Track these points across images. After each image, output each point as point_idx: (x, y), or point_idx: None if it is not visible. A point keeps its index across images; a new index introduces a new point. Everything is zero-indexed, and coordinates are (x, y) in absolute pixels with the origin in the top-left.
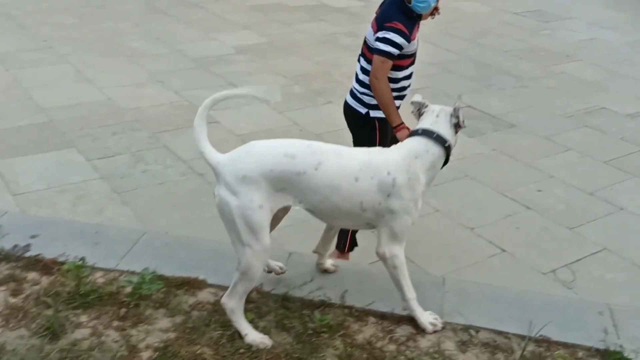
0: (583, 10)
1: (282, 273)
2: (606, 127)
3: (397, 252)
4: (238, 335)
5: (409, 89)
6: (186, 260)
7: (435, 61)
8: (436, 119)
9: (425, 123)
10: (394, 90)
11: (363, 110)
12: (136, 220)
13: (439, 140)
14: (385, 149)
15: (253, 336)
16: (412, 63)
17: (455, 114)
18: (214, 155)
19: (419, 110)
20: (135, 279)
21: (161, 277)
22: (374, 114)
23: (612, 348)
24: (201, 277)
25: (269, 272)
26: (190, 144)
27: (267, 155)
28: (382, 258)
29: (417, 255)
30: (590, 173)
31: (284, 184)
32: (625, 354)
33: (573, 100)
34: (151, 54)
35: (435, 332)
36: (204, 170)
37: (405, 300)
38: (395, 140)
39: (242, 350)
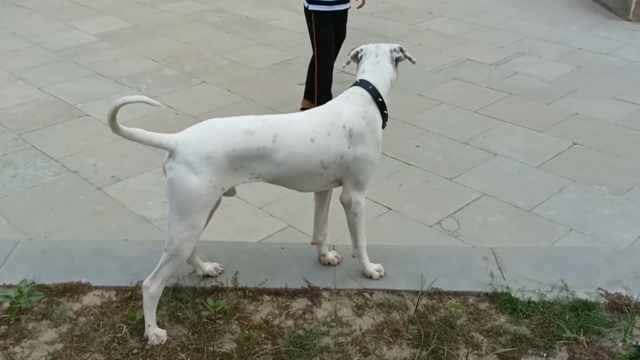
0: None
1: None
2: (473, 78)
3: (360, 199)
4: (130, 336)
5: None
6: (67, 266)
7: (303, 30)
8: (376, 59)
9: (366, 66)
10: None
11: (306, 5)
12: (11, 229)
13: (374, 93)
14: (334, 104)
15: (154, 330)
16: None
17: (396, 51)
18: (168, 137)
19: (357, 57)
20: (12, 292)
21: (41, 287)
22: (312, 7)
23: (499, 290)
24: (84, 280)
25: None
26: (60, 140)
27: (229, 135)
28: (346, 205)
29: (304, 226)
30: (463, 123)
31: (244, 161)
32: (513, 294)
33: (439, 55)
34: (8, 50)
35: (380, 277)
36: (77, 166)
37: (357, 247)
38: (339, 37)
39: (135, 351)
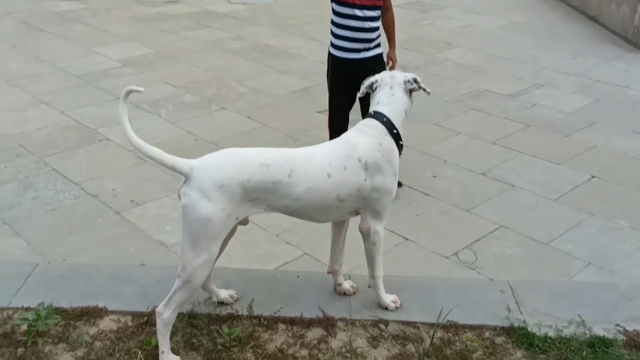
0: None
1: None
2: (490, 109)
3: (379, 228)
4: None
5: None
6: (84, 289)
7: (322, 58)
8: (390, 90)
9: (380, 97)
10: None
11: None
12: (31, 251)
13: (388, 125)
14: (349, 137)
15: (168, 356)
16: None
17: (410, 82)
18: (183, 162)
19: (372, 87)
20: (30, 315)
21: (58, 310)
22: (330, 49)
23: (516, 324)
24: (101, 305)
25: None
26: (81, 164)
27: (245, 165)
28: (365, 234)
29: (321, 254)
30: (480, 154)
31: (259, 193)
32: (529, 329)
33: (457, 85)
34: (32, 74)
35: (396, 308)
36: (97, 190)
37: (374, 278)
38: (354, 88)
39: None
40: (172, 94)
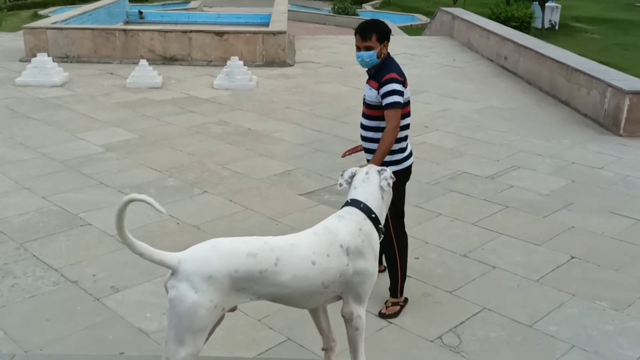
0: (434, 84)
1: None
2: (469, 190)
3: (361, 312)
4: None
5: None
6: None
7: (303, 142)
8: (365, 175)
9: (357, 182)
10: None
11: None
12: (7, 340)
13: (366, 210)
14: (330, 224)
15: None
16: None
17: (383, 177)
18: (171, 256)
19: (351, 179)
20: None
21: None
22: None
23: None
24: None
25: None
26: (61, 250)
27: (232, 255)
28: (347, 319)
29: (304, 339)
30: (461, 235)
31: (246, 282)
32: None
33: (436, 168)
34: (15, 160)
35: None
36: (76, 276)
37: None
38: None
39: None
40: (155, 177)
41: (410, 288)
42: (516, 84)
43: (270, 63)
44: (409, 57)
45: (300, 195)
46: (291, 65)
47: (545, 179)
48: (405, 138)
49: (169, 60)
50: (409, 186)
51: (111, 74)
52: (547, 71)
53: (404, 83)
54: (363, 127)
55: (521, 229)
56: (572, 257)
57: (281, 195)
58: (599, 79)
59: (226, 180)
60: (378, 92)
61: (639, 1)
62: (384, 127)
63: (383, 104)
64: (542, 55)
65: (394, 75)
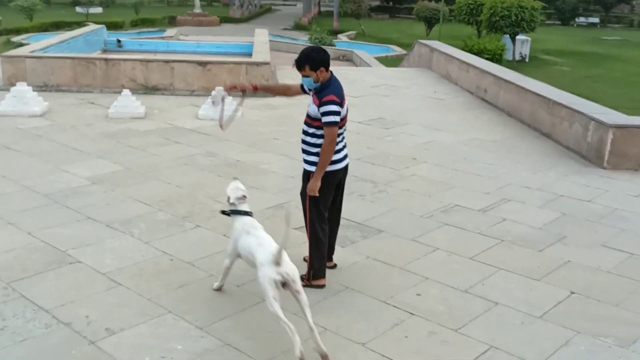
0: (416, 115)
1: None
2: (463, 224)
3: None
4: None
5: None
6: None
7: (293, 174)
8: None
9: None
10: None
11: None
12: None
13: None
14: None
15: None
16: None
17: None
18: None
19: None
20: None
21: None
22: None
23: None
24: None
25: None
26: (51, 289)
27: None
28: None
29: None
30: (460, 271)
31: None
32: None
33: (428, 200)
34: None
35: None
36: (69, 318)
37: None
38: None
39: None
40: (145, 212)
41: (414, 326)
42: (497, 116)
43: (254, 94)
44: (390, 89)
45: (295, 229)
46: (274, 96)
47: (536, 212)
48: (342, 146)
49: (151, 89)
50: (404, 219)
51: (92, 103)
52: (528, 104)
53: (341, 104)
54: (304, 132)
55: (518, 264)
56: (572, 293)
57: (275, 229)
58: (581, 113)
59: (218, 214)
60: (318, 109)
61: (606, 35)
62: (319, 134)
63: (322, 121)
64: (523, 88)
65: (332, 97)
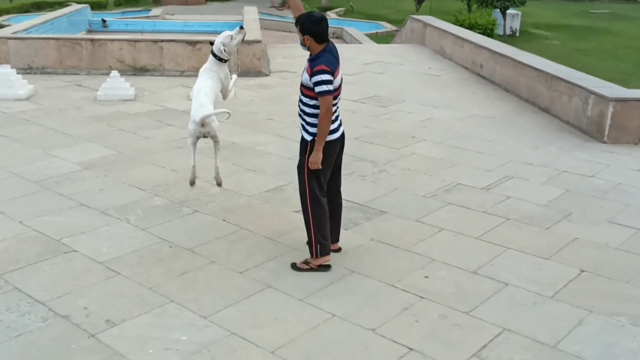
0: (412, 93)
1: None
2: (467, 203)
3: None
4: None
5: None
6: None
7: (290, 155)
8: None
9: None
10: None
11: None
12: None
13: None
14: None
15: None
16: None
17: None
18: None
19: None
20: None
21: None
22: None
23: None
24: None
25: None
26: (46, 280)
27: None
28: None
29: None
30: (467, 251)
31: None
32: None
33: (430, 180)
34: None
35: None
36: (67, 310)
37: None
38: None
39: None
40: (140, 197)
41: (425, 310)
42: (494, 92)
43: (245, 73)
44: (384, 66)
45: (295, 212)
46: (267, 75)
47: (540, 188)
48: (335, 117)
49: (140, 70)
50: (406, 199)
51: (79, 85)
52: (525, 79)
53: (332, 73)
54: (300, 101)
55: (526, 242)
56: (582, 271)
57: (276, 213)
58: (580, 87)
59: (216, 198)
60: (310, 79)
61: (594, 8)
62: (312, 104)
63: (315, 91)
64: (520, 62)
65: (322, 67)
